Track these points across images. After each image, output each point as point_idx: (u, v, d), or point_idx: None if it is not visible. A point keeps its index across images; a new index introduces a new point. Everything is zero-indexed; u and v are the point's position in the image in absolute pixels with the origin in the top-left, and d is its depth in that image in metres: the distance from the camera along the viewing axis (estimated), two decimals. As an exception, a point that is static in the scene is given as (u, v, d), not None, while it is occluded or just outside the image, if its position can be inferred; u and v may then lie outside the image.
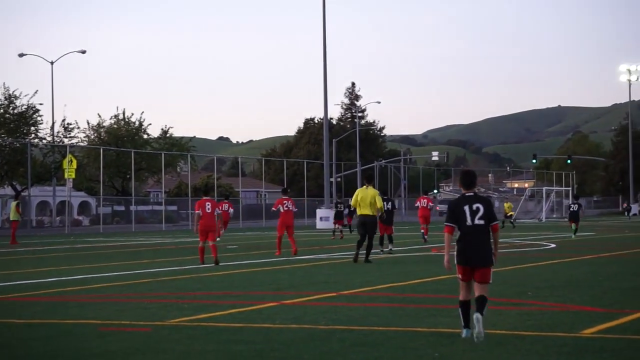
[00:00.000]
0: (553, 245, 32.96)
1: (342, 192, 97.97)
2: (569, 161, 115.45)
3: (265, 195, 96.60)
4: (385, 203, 27.78)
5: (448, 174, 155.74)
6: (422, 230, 37.92)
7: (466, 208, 11.11)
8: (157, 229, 66.06)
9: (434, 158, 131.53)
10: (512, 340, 10.78)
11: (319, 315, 13.25)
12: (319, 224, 63.42)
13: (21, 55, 74.12)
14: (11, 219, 42.53)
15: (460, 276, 11.21)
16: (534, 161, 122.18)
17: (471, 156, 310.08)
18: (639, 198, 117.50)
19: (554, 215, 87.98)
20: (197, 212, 25.41)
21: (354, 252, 24.84)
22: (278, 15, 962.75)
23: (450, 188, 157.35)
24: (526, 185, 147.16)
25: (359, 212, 24.80)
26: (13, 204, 42.42)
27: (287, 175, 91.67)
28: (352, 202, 25.31)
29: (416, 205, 42.17)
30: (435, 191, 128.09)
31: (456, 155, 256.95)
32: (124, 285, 18.82)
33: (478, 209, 11.08)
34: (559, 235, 42.62)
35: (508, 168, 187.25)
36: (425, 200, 39.76)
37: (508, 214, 61.42)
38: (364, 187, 25.03)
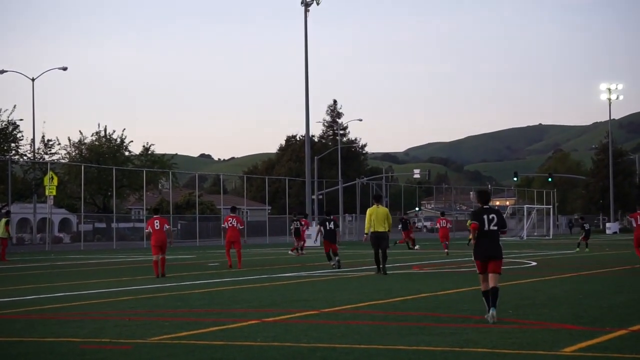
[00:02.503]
0: (534, 263, 33.03)
1: (323, 209, 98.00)
2: (550, 179, 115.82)
3: (247, 212, 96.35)
4: (327, 223, 31.58)
5: (429, 191, 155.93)
6: (444, 247, 42.17)
7: (485, 217, 14.58)
8: (139, 246, 65.79)
9: (415, 176, 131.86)
10: (493, 358, 10.79)
11: (300, 333, 13.22)
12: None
13: (1, 72, 73.88)
14: (0, 236, 42.23)
15: (478, 270, 14.67)
16: (515, 179, 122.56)
17: (453, 174, 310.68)
18: (619, 217, 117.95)
19: (535, 233, 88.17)
20: (147, 230, 28.31)
21: (374, 267, 27.51)
22: (260, 32, 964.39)
23: (432, 206, 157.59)
24: (507, 203, 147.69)
25: (373, 229, 26.59)
26: (2, 221, 42.22)
27: (269, 193, 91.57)
28: (366, 221, 27.09)
29: (437, 226, 47.42)
30: (417, 209, 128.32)
31: (437, 173, 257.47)
32: (104, 302, 18.72)
33: (493, 218, 14.61)
34: (540, 253, 42.71)
35: (489, 186, 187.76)
36: (445, 220, 44.40)
37: None
38: (375, 206, 26.90)
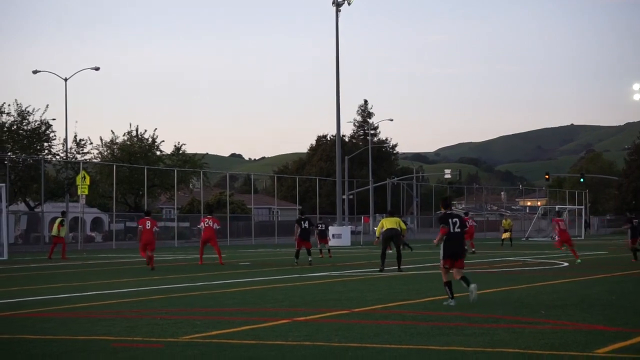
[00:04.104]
0: (566, 264, 32.84)
1: (354, 209, 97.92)
2: (582, 179, 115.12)
3: (277, 212, 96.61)
4: (302, 222, 34.46)
5: (460, 192, 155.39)
6: (471, 245, 43.57)
7: (450, 221, 16.96)
8: (170, 246, 66.08)
9: (446, 176, 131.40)
10: (524, 359, 10.73)
11: (331, 332, 13.23)
12: (332, 242, 63.28)
13: (35, 72, 74.39)
14: (52, 234, 43.30)
15: (447, 266, 16.99)
16: (547, 179, 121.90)
17: (483, 174, 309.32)
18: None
19: (577, 235, 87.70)
20: (139, 227, 32.01)
21: (379, 266, 29.05)
22: (291, 32, 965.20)
23: (463, 206, 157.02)
24: (539, 203, 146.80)
25: (385, 228, 28.50)
26: (57, 221, 43.05)
27: (299, 193, 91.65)
28: (377, 229, 29.12)
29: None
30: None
31: (468, 173, 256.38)
32: (136, 301, 18.83)
33: (457, 222, 17.08)
34: (572, 254, 42.42)
35: (520, 186, 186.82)
36: (470, 220, 45.52)
37: (506, 230, 60.14)
38: (387, 217, 29.25)
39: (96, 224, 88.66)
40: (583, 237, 79.71)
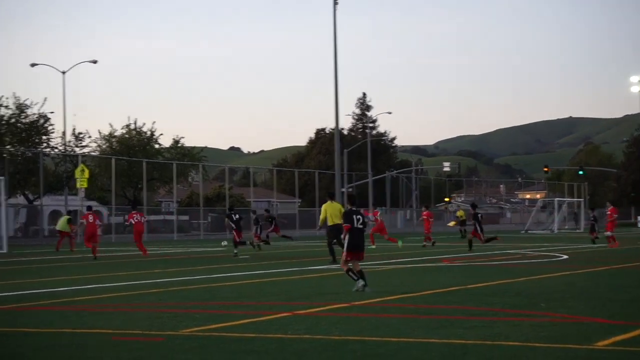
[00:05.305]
0: (565, 257, 32.86)
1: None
2: (581, 172, 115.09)
3: (276, 205, 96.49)
4: (233, 215, 37.51)
5: (459, 184, 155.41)
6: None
7: (354, 217, 18.34)
8: (169, 239, 66.11)
9: (445, 169, 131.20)
10: (525, 352, 10.74)
11: (331, 325, 13.23)
12: (331, 235, 63.26)
13: (33, 65, 74.29)
14: (57, 228, 44.14)
15: (349, 258, 18.31)
16: (546, 172, 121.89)
17: (483, 167, 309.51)
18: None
19: (566, 227, 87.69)
20: (82, 221, 36.96)
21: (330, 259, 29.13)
22: (289, 25, 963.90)
23: (462, 199, 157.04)
24: (538, 196, 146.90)
25: (330, 222, 28.92)
26: (64, 218, 43.75)
27: (299, 186, 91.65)
28: (321, 215, 29.29)
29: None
30: (447, 199, 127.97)
31: (467, 166, 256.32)
32: (136, 294, 18.83)
33: (359, 218, 18.46)
34: (571, 246, 42.49)
35: (519, 179, 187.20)
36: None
37: (461, 219, 62.18)
38: (329, 202, 29.45)
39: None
40: (582, 230, 79.69)
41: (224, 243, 38.35)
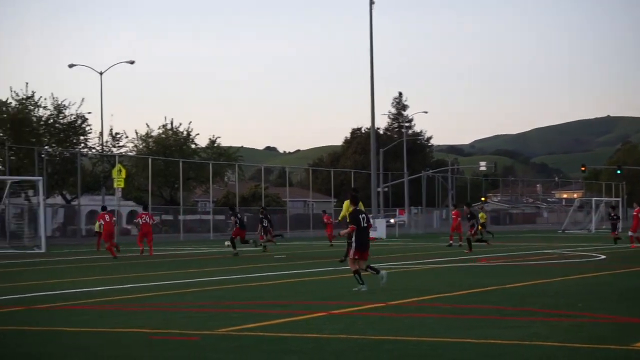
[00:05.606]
0: (603, 257, 32.59)
1: (389, 202, 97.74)
2: (618, 171, 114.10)
3: (312, 205, 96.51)
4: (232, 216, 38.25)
5: (496, 184, 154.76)
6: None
7: (360, 217, 18.70)
8: (205, 238, 66.33)
9: (481, 168, 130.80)
10: (562, 352, 10.65)
11: (367, 325, 13.20)
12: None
13: (71, 66, 74.88)
14: (96, 230, 44.31)
15: (357, 257, 18.50)
16: (583, 171, 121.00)
17: (519, 166, 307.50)
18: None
19: (604, 226, 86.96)
20: (99, 221, 38.19)
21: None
22: (325, 24, 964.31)
23: (499, 198, 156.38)
24: (575, 195, 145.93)
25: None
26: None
27: (334, 185, 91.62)
28: (342, 212, 29.27)
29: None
30: (483, 199, 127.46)
31: (504, 166, 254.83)
32: (172, 294, 18.89)
33: (364, 217, 18.87)
34: (609, 246, 42.12)
35: (556, 178, 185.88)
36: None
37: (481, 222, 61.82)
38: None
39: (132, 217, 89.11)
40: (620, 230, 78.88)
41: (227, 243, 38.62)
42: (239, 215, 38.70)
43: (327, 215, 55.08)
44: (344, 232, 19.70)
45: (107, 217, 37.36)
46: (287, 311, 15.06)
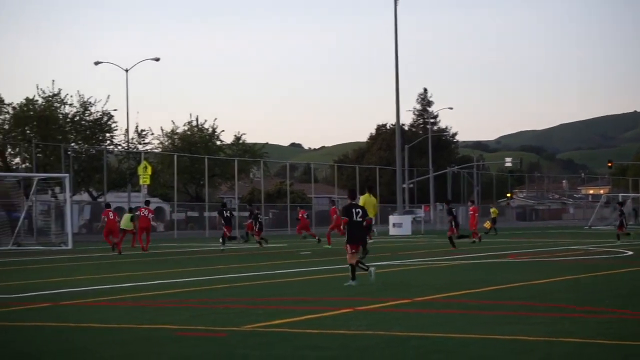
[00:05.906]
0: (630, 253, 32.40)
1: (414, 198, 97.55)
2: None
3: (337, 201, 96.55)
4: (225, 212, 39.29)
5: (521, 180, 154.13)
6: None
7: (353, 211, 19.47)
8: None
9: (507, 164, 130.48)
10: (589, 349, 10.60)
11: (393, 321, 13.19)
12: (392, 230, 63.24)
13: (97, 63, 75.23)
14: (122, 227, 43.50)
15: (352, 250, 19.38)
16: (610, 166, 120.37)
17: (545, 162, 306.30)
18: None
19: (631, 222, 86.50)
20: (104, 217, 40.98)
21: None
22: (350, 21, 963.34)
23: (525, 194, 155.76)
24: (601, 191, 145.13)
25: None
26: (127, 216, 43.56)
27: (359, 182, 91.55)
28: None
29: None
30: (509, 195, 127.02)
31: (530, 162, 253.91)
32: (199, 290, 18.96)
33: (359, 211, 19.59)
34: (637, 242, 41.88)
35: (583, 174, 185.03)
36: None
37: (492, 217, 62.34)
38: (367, 195, 31.24)
39: (158, 213, 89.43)
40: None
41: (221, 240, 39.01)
42: (226, 213, 39.37)
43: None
44: (342, 225, 20.60)
45: (110, 214, 40.17)
46: (313, 307, 15.08)
